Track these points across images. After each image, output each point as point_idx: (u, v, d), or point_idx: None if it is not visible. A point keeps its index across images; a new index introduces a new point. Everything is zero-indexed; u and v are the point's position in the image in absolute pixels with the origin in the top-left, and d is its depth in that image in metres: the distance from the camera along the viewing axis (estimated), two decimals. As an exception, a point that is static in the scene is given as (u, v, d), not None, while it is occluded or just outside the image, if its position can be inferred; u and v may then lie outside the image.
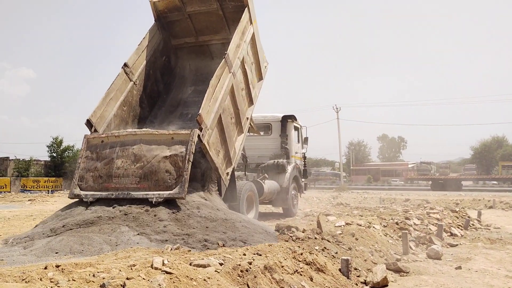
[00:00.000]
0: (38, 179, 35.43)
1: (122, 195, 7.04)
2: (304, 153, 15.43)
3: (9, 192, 31.56)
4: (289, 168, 13.23)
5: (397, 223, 10.32)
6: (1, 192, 31.23)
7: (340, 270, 6.16)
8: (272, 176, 12.69)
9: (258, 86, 10.38)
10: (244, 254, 5.48)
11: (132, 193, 7.02)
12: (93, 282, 3.78)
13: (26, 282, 3.69)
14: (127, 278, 3.84)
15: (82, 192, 7.36)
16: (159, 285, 3.83)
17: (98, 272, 4.06)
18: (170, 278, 4.03)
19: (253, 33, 9.62)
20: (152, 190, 6.99)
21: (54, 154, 39.92)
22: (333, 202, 21.44)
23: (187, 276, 4.15)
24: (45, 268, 4.10)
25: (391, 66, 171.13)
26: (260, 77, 10.52)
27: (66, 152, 39.86)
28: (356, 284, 6.07)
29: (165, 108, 10.21)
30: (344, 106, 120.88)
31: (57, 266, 4.12)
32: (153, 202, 6.76)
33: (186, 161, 6.98)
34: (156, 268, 4.24)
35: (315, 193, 31.18)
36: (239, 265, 4.86)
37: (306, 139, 15.40)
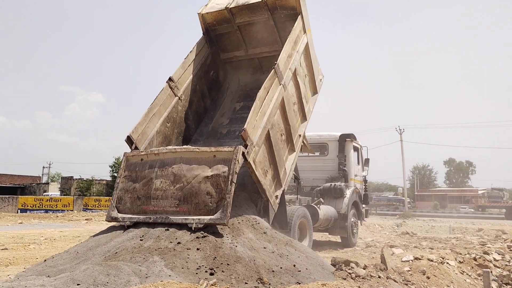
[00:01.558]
0: (100, 198, 36.30)
1: (160, 219, 6.37)
2: (365, 176, 14.23)
3: (72, 210, 32.48)
4: (348, 193, 12.11)
5: (475, 259, 8.93)
6: (65, 210, 32.19)
7: (410, 318, 5.06)
8: (328, 201, 11.63)
9: (312, 101, 9.52)
10: (292, 296, 4.56)
11: (171, 217, 6.32)
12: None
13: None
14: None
15: (120, 215, 6.78)
16: (178, 339, 3.01)
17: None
18: (194, 329, 3.20)
19: (307, 42, 8.83)
20: (192, 214, 6.26)
21: (116, 174, 41.03)
22: (397, 230, 19.81)
23: (215, 327, 3.29)
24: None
25: (457, 85, 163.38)
26: (315, 91, 9.66)
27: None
28: (431, 337, 4.93)
29: (212, 125, 9.57)
30: (408, 127, 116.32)
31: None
32: (193, 228, 6.02)
33: (229, 182, 6.19)
34: (178, 314, 3.43)
35: (376, 220, 29.39)
36: (284, 311, 3.95)
37: (367, 160, 14.21)
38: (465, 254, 9.26)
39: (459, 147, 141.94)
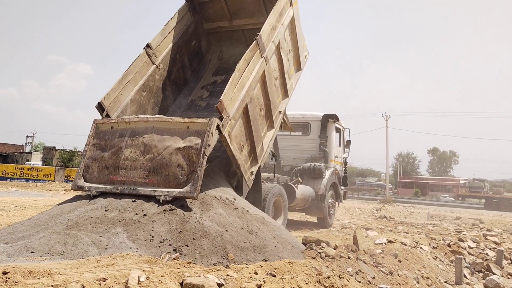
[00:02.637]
0: (81, 170, 35.83)
1: (127, 190, 6.12)
2: (346, 158, 14.11)
3: (53, 181, 32.01)
4: (327, 173, 11.98)
5: (449, 245, 8.92)
6: (46, 180, 31.73)
7: (377, 301, 4.96)
8: (307, 181, 11.51)
9: (295, 77, 9.23)
10: (256, 273, 4.39)
11: (138, 188, 6.08)
12: (35, 301, 2.82)
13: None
14: (81, 299, 2.86)
15: (86, 184, 6.51)
16: (121, 312, 2.81)
17: (52, 286, 3.10)
18: (141, 303, 3.01)
19: (293, 16, 8.50)
20: (161, 186, 6.02)
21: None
22: (376, 214, 19.89)
23: (166, 302, 3.11)
24: (-10, 274, 3.19)
25: (445, 73, 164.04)
26: (299, 68, 9.37)
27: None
28: (396, 321, 4.84)
29: (191, 98, 9.27)
30: (394, 114, 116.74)
31: (5, 273, 3.20)
32: (161, 201, 5.79)
33: (201, 154, 5.95)
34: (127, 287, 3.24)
35: (357, 204, 29.56)
36: (244, 288, 3.78)
37: (348, 142, 14.07)
38: (440, 240, 9.24)
39: (444, 136, 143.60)
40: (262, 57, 7.35)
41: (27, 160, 44.89)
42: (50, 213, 6.08)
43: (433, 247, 8.52)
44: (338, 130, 13.15)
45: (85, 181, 6.58)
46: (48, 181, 31.67)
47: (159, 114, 8.16)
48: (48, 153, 43.02)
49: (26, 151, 59.46)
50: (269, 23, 7.56)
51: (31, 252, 4.55)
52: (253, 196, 7.61)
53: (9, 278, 3.13)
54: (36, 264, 3.91)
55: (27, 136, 65.48)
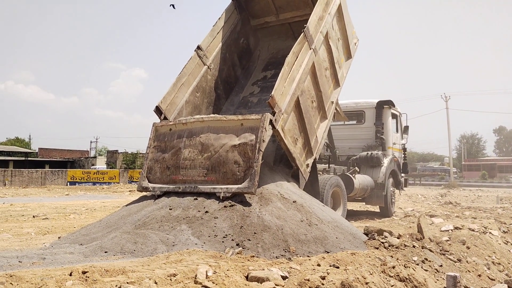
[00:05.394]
0: (144, 171, 37.24)
1: (189, 188, 6.37)
2: (404, 144, 13.68)
3: (118, 183, 33.61)
4: (385, 161, 11.68)
5: (520, 228, 8.44)
6: (111, 183, 33.38)
7: (445, 289, 4.81)
8: (365, 170, 11.30)
9: (345, 66, 9.08)
10: (318, 265, 4.42)
11: (199, 186, 6.31)
12: (113, 297, 3.03)
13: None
14: (155, 295, 3.03)
15: (150, 185, 6.84)
16: (193, 306, 2.95)
17: (127, 282, 3.31)
18: (211, 297, 3.14)
19: (339, 4, 8.36)
20: (220, 183, 6.21)
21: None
22: (440, 200, 19.16)
23: (233, 295, 3.22)
24: (70, 274, 3.45)
25: (507, 47, 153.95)
26: (349, 56, 9.21)
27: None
28: (468, 309, 4.69)
29: (243, 94, 9.38)
30: (454, 95, 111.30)
31: (84, 273, 3.46)
32: (220, 197, 5.98)
33: (257, 150, 6.05)
34: (196, 282, 3.38)
35: (420, 190, 28.61)
36: (308, 280, 3.83)
37: (406, 128, 13.63)
38: (510, 224, 8.79)
39: (510, 113, 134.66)
40: (310, 49, 7.32)
41: (93, 165, 47.40)
42: (119, 214, 6.44)
43: (504, 231, 8.12)
44: (394, 116, 12.77)
45: (149, 182, 6.90)
46: (114, 183, 33.29)
47: (213, 114, 8.36)
48: (112, 156, 45.17)
49: (91, 155, 62.77)
50: (316, 14, 7.49)
51: (105, 252, 4.85)
52: (310, 188, 7.61)
53: (88, 277, 3.38)
54: (111, 263, 4.17)
55: (90, 142, 69.15)
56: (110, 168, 41.26)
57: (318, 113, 7.97)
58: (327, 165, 9.96)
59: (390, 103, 12.38)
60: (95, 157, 56.34)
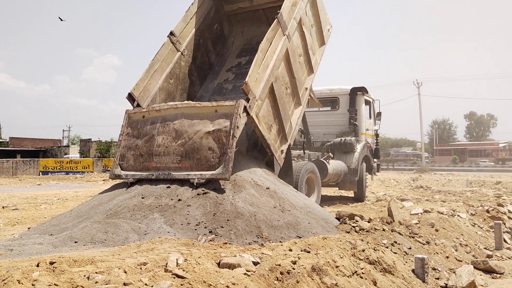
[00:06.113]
0: (118, 159, 36.66)
1: (162, 175, 6.32)
2: (377, 130, 13.89)
3: (92, 172, 33.07)
4: (359, 147, 11.86)
5: (487, 211, 8.77)
6: (85, 172, 32.82)
7: (413, 271, 4.98)
8: (339, 156, 11.46)
9: (319, 52, 9.13)
10: (290, 250, 4.47)
11: (173, 173, 6.27)
12: (82, 287, 2.99)
13: (3, 283, 3.01)
14: (124, 284, 3.01)
15: (123, 172, 6.75)
16: (162, 294, 2.95)
17: (96, 272, 3.27)
18: (181, 285, 3.14)
19: None
20: (194, 169, 6.18)
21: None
22: (412, 185, 19.62)
23: (204, 282, 3.23)
24: (38, 265, 3.39)
25: (479, 34, 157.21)
26: (322, 42, 9.25)
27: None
28: (435, 290, 4.84)
29: (217, 81, 9.32)
30: (426, 81, 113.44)
31: (51, 263, 3.40)
32: (195, 184, 5.96)
33: (231, 136, 6.05)
34: (167, 270, 3.37)
35: (393, 175, 29.18)
36: (279, 265, 3.87)
37: (379, 114, 13.84)
38: (478, 207, 9.08)
39: (481, 99, 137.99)
40: (284, 35, 7.31)
41: (66, 154, 46.43)
42: (90, 203, 6.35)
43: (471, 214, 8.39)
44: (367, 103, 12.93)
45: (122, 169, 6.82)
46: (87, 172, 32.74)
47: (188, 100, 8.29)
48: (85, 145, 44.33)
49: (64, 144, 61.48)
50: (289, 0, 7.47)
51: (75, 242, 4.79)
52: (285, 174, 7.65)
53: (55, 267, 3.32)
54: (80, 253, 4.12)
55: (63, 130, 67.68)
56: (83, 157, 40.52)
57: (292, 99, 8.00)
58: (301, 151, 10.03)
59: (363, 90, 12.52)
60: (68, 146, 55.20)
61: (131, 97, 7.26)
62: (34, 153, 49.00)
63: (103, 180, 22.63)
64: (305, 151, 10.16)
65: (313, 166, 9.32)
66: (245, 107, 6.25)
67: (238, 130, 6.16)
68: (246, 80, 6.28)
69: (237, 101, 6.23)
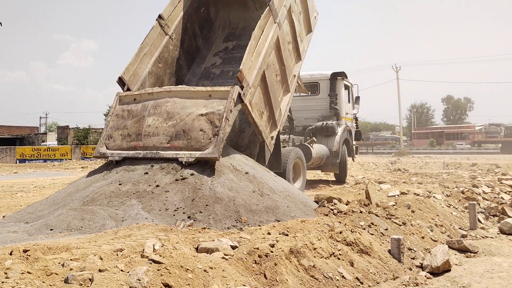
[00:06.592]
0: (97, 146, 36.16)
1: (150, 154, 6.26)
2: (356, 114, 14.23)
3: (70, 159, 32.59)
4: (339, 131, 12.13)
5: (463, 192, 8.94)
6: (63, 159, 32.31)
7: (389, 251, 5.07)
8: (320, 140, 11.67)
9: (306, 40, 9.28)
10: (269, 233, 4.51)
11: (161, 152, 6.22)
12: (56, 274, 2.96)
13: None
14: (100, 270, 2.98)
15: (109, 151, 6.64)
16: (139, 280, 2.94)
17: (71, 259, 3.24)
18: (158, 270, 3.13)
19: None
20: (184, 150, 6.16)
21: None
22: (390, 168, 19.91)
23: (181, 267, 3.23)
24: (11, 253, 3.34)
25: (455, 18, 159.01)
26: (309, 29, 9.39)
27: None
28: (410, 269, 4.95)
29: (205, 65, 9.31)
30: (405, 65, 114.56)
31: (25, 251, 3.35)
32: (184, 163, 5.93)
33: (224, 119, 6.07)
34: (143, 256, 3.36)
35: (372, 158, 29.56)
36: (257, 248, 3.89)
37: (357, 98, 14.16)
38: (453, 188, 9.26)
39: (458, 83, 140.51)
40: (275, 23, 7.39)
41: (43, 141, 45.64)
42: (66, 191, 6.25)
43: (447, 195, 8.55)
44: (346, 87, 13.19)
45: (107, 148, 6.72)
46: (65, 159, 32.26)
47: (176, 84, 8.29)
48: (63, 132, 43.55)
49: (41, 132, 60.31)
50: None
51: (51, 230, 4.72)
52: (275, 160, 7.86)
53: (29, 255, 3.27)
54: (56, 240, 4.06)
55: (40, 117, 66.29)
56: (61, 144, 39.84)
57: (282, 86, 8.12)
58: (286, 136, 10.19)
59: (343, 75, 12.77)
60: (45, 133, 54.22)
61: (121, 81, 7.21)
62: (10, 141, 47.95)
63: (82, 168, 22.33)
64: (290, 136, 10.32)
65: (299, 151, 9.55)
66: (239, 94, 6.30)
67: (231, 115, 6.23)
68: (240, 68, 6.32)
69: (233, 87, 6.30)
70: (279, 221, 5.26)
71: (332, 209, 5.94)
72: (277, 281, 3.61)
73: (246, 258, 3.75)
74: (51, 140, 45.64)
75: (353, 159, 13.97)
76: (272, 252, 3.91)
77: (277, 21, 7.44)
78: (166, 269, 3.15)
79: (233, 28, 9.80)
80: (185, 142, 6.19)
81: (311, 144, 10.68)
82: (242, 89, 6.34)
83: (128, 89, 7.22)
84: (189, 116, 6.30)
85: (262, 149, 7.42)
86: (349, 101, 13.49)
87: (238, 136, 7.53)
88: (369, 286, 4.23)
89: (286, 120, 9.95)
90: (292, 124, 11.43)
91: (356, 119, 14.23)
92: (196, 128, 6.17)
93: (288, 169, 8.67)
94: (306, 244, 4.31)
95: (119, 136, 6.72)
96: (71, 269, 3.03)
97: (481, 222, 7.51)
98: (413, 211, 6.79)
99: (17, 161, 31.54)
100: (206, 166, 5.98)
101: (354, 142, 13.70)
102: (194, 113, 6.29)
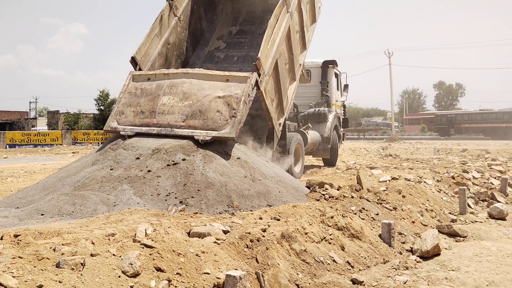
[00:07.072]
0: (88, 131, 35.91)
1: (164, 131, 6.28)
2: (344, 101, 14.55)
3: (61, 144, 32.30)
4: (330, 117, 12.41)
5: (453, 177, 9.04)
6: (54, 144, 32.03)
7: (380, 236, 5.13)
8: (312, 126, 11.75)
9: (311, 29, 9.51)
10: (260, 218, 4.53)
11: (176, 130, 6.23)
12: (48, 259, 2.95)
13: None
14: (91, 255, 2.98)
15: (120, 126, 6.61)
16: (131, 264, 2.94)
17: (62, 244, 3.23)
18: (150, 254, 3.14)
19: None
20: (199, 129, 6.19)
21: (102, 107, 40.45)
22: (382, 153, 20.01)
23: (173, 251, 3.24)
24: (1, 238, 3.32)
25: (448, 3, 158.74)
26: (314, 19, 9.61)
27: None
28: (400, 253, 5.03)
29: (208, 49, 9.32)
30: (397, 50, 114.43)
31: (16, 236, 3.33)
32: (200, 141, 5.99)
33: (241, 102, 6.13)
34: (135, 241, 3.35)
35: (363, 144, 29.69)
36: (249, 233, 3.91)
37: (346, 86, 14.49)
38: (444, 173, 9.34)
39: (449, 69, 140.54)
40: (288, 12, 7.58)
41: (33, 126, 45.11)
42: (57, 175, 6.21)
43: (437, 180, 8.64)
44: (336, 75, 13.46)
45: (118, 124, 6.69)
46: (56, 145, 31.97)
47: (182, 66, 8.35)
48: (53, 117, 43.09)
49: (31, 117, 59.66)
50: None
51: (42, 215, 4.70)
52: (282, 145, 8.10)
53: (20, 240, 3.26)
54: (47, 225, 4.05)
55: (30, 102, 65.53)
56: (51, 129, 39.42)
57: (289, 75, 8.28)
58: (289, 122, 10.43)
59: (334, 63, 13.03)
60: (35, 118, 53.61)
61: (134, 61, 7.24)
62: (0, 126, 47.43)
63: (73, 153, 22.18)
64: (298, 123, 10.83)
65: (299, 137, 9.74)
66: (256, 81, 6.41)
67: (249, 98, 6.31)
68: (258, 55, 6.50)
69: (252, 73, 6.44)
70: (270, 206, 5.28)
71: (323, 194, 5.98)
72: (268, 265, 3.64)
73: (238, 243, 3.77)
74: (41, 125, 45.14)
75: (339, 144, 14.31)
76: (263, 236, 3.93)
77: (290, 10, 7.65)
78: (158, 253, 3.16)
79: (236, 12, 9.85)
80: (201, 122, 6.24)
81: (306, 130, 10.86)
82: (259, 77, 6.49)
83: (140, 69, 7.26)
84: (206, 97, 6.38)
85: (271, 135, 7.63)
86: (338, 89, 13.75)
87: (250, 122, 7.66)
88: (359, 269, 4.28)
89: (293, 108, 10.17)
90: (297, 111, 11.69)
91: (344, 106, 14.54)
92: (213, 109, 6.24)
93: (291, 153, 8.93)
94: (297, 229, 4.34)
95: (131, 113, 6.74)
96: (62, 254, 3.02)
97: (470, 207, 7.61)
98: (404, 196, 6.86)
99: (7, 146, 31.22)
100: (220, 145, 6.09)
101: (341, 129, 14.05)
102: (211, 95, 6.37)
